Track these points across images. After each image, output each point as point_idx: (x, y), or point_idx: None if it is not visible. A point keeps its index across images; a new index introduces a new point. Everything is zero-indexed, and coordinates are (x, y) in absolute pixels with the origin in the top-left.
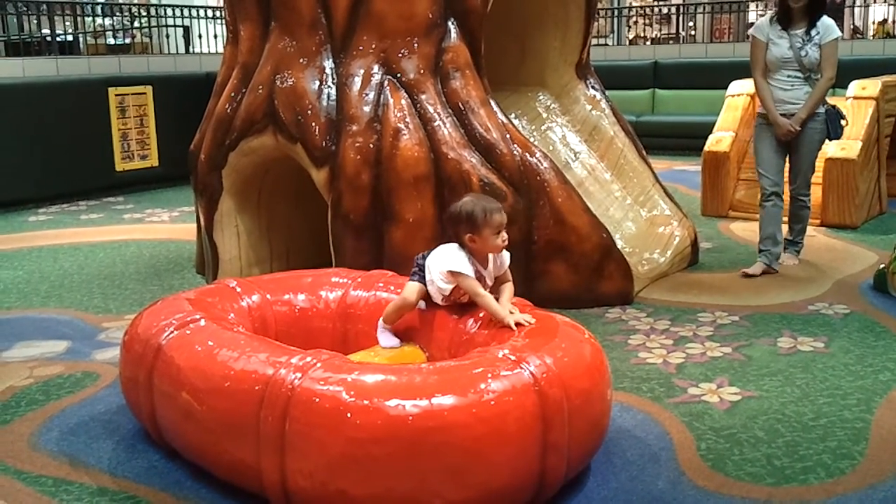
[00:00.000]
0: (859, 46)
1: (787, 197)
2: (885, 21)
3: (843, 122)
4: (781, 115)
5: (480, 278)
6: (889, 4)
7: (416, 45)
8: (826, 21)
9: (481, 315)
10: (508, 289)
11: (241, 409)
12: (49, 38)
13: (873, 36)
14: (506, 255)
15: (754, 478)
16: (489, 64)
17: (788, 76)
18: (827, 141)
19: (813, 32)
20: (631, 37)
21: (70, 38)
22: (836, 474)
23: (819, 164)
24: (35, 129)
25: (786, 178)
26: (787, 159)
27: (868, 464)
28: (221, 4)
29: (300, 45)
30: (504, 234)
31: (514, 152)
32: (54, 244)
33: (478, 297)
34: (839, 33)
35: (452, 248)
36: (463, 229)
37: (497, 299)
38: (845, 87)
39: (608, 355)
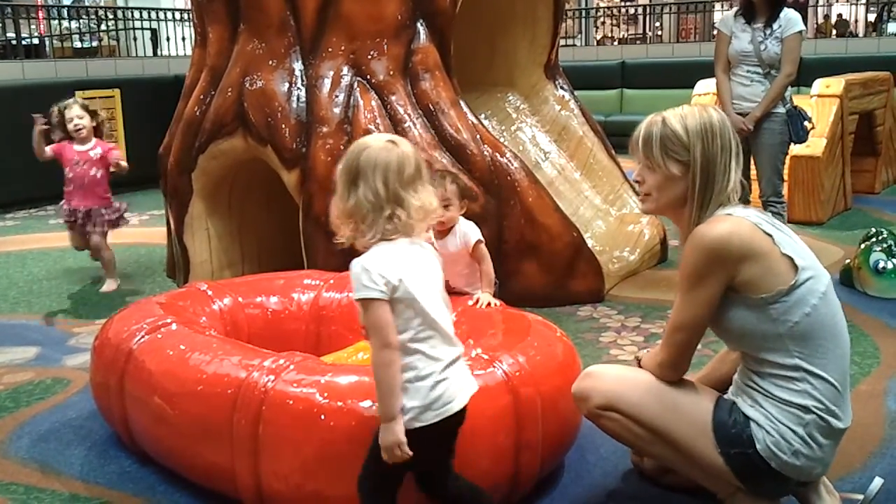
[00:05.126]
0: (823, 45)
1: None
2: (827, 17)
3: (808, 125)
4: (739, 113)
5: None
6: (850, 4)
7: (385, 46)
8: (789, 14)
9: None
10: (486, 279)
11: (215, 412)
12: (14, 42)
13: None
14: (469, 231)
15: None
16: (459, 65)
17: (748, 71)
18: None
19: (775, 25)
20: (598, 37)
21: (36, 41)
22: None
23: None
24: (1, 133)
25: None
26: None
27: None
28: (189, 7)
29: (269, 47)
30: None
31: (485, 153)
32: (22, 249)
33: None
34: (802, 27)
35: None
36: None
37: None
38: (810, 85)
39: (580, 353)
